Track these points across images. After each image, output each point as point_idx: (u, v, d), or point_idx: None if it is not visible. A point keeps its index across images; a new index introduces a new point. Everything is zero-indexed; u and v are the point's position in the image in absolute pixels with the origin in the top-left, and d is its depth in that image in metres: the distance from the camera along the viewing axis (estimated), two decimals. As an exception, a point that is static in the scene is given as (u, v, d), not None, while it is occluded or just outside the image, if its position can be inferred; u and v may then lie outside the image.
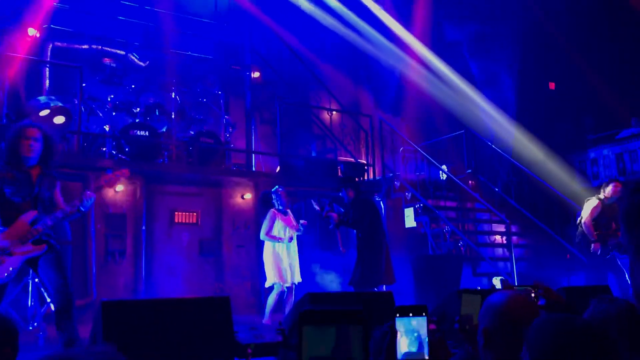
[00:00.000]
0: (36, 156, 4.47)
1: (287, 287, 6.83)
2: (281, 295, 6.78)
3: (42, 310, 5.99)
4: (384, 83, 12.99)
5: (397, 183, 9.47)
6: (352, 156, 10.59)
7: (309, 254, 8.75)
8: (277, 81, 10.88)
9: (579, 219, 7.21)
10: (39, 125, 4.59)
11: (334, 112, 10.89)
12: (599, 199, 6.98)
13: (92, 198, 4.53)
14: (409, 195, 9.27)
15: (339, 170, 9.51)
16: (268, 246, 6.88)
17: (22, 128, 4.48)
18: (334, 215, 7.12)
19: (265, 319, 6.65)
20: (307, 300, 3.55)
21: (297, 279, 6.93)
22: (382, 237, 7.07)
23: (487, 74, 12.97)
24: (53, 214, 4.41)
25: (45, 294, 6.09)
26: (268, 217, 6.94)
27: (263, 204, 7.34)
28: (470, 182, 10.53)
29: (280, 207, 6.99)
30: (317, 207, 7.21)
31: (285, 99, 10.14)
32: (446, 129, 11.52)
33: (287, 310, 6.78)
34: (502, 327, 1.65)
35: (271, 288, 6.85)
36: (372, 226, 7.02)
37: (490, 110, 12.15)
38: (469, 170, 10.85)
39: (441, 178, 10.67)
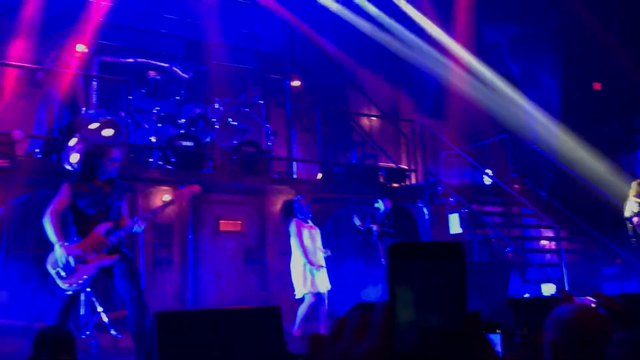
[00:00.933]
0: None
1: (320, 296, 6.77)
2: (313, 305, 6.72)
3: (93, 319, 6.14)
4: (424, 87, 12.89)
5: (440, 188, 9.37)
6: (392, 162, 10.54)
7: (350, 265, 8.76)
8: (316, 88, 10.93)
9: (630, 230, 6.94)
10: (120, 143, 4.91)
11: (374, 118, 10.87)
12: (637, 213, 6.72)
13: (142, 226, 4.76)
14: (453, 200, 9.16)
15: (381, 176, 9.48)
16: (297, 256, 6.77)
17: (110, 149, 4.78)
18: (376, 227, 7.09)
19: (295, 329, 6.52)
20: (358, 310, 3.54)
21: (328, 285, 6.89)
22: None
23: (529, 75, 12.73)
24: (125, 227, 4.62)
25: (97, 303, 6.24)
26: (294, 228, 6.79)
27: (285, 214, 7.27)
28: (515, 186, 10.34)
29: (302, 217, 6.92)
30: (359, 223, 7.21)
31: (325, 106, 10.19)
32: (489, 132, 11.35)
33: (321, 319, 6.76)
34: (572, 340, 1.61)
35: (301, 298, 6.77)
36: (413, 235, 7.02)
37: (534, 112, 11.92)
38: (514, 174, 10.65)
39: (485, 183, 10.52)
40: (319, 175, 9.43)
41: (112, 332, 6.16)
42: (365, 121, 10.90)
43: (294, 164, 9.80)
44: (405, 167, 10.19)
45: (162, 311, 2.99)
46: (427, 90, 12.87)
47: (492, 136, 11.16)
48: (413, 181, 9.89)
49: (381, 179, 9.46)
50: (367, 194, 8.95)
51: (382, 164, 10.44)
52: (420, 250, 0.65)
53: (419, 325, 0.62)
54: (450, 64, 12.20)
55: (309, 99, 10.74)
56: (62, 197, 4.62)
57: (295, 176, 9.70)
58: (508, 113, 11.64)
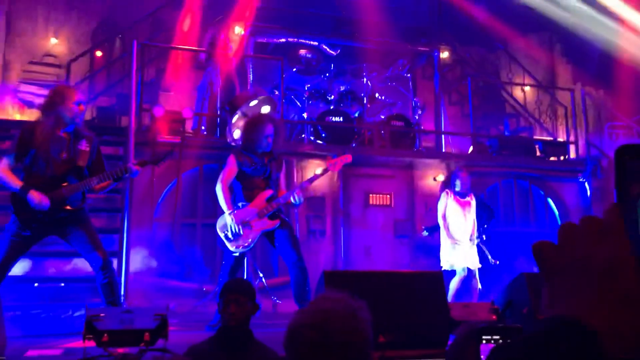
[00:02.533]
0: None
1: (469, 271, 6.60)
2: (464, 281, 6.58)
3: (255, 283, 6.54)
4: (584, 53, 11.91)
5: (604, 162, 8.65)
6: (549, 134, 9.92)
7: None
8: (466, 59, 10.57)
9: None
10: (274, 120, 5.23)
11: (528, 88, 10.29)
12: None
13: (300, 195, 5.02)
14: (620, 174, 8.39)
15: (537, 150, 8.99)
16: (444, 228, 6.69)
17: (264, 125, 5.05)
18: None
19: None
20: (523, 279, 3.42)
21: (476, 263, 6.68)
22: None
23: None
24: (284, 196, 4.97)
25: (258, 270, 6.65)
26: (442, 197, 6.76)
27: (443, 185, 7.23)
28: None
29: (458, 189, 6.76)
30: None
31: (475, 77, 9.83)
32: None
33: (473, 295, 6.61)
34: None
35: (453, 272, 6.65)
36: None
37: None
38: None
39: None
40: (470, 149, 9.16)
41: (273, 297, 6.54)
42: (518, 92, 10.35)
43: (443, 137, 9.60)
44: (563, 139, 9.53)
45: (330, 270, 3.09)
46: (589, 57, 11.88)
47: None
48: (572, 155, 9.23)
49: (537, 152, 8.96)
50: (522, 168, 8.57)
51: (537, 136, 9.87)
52: None
53: None
54: (615, 26, 11.14)
55: (458, 70, 10.43)
56: (230, 167, 5.04)
57: (444, 150, 9.51)
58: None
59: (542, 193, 8.79)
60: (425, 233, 7.33)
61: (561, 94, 10.13)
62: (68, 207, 4.19)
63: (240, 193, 5.06)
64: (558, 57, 11.88)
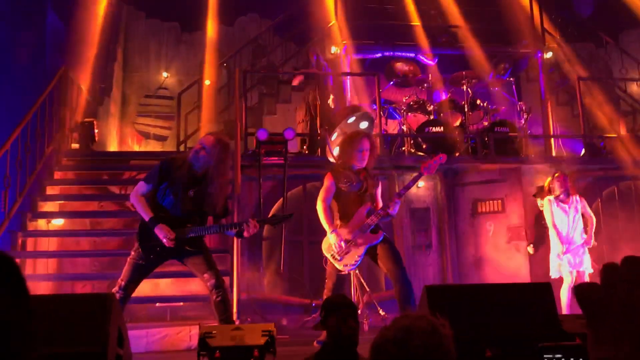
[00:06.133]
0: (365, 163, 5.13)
1: (580, 277, 6.32)
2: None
3: (364, 298, 6.57)
4: None
5: None
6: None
7: (623, 248, 7.86)
8: (572, 58, 10.04)
9: None
10: (369, 135, 5.25)
11: (645, 82, 9.57)
12: None
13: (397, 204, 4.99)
14: None
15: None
16: (554, 235, 6.49)
17: (360, 139, 5.15)
18: None
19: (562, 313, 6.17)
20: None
21: (586, 267, 6.35)
22: None
23: None
24: (382, 207, 4.96)
25: (365, 284, 6.67)
26: (545, 206, 6.56)
27: (540, 193, 6.97)
28: None
29: (558, 194, 6.49)
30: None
31: (584, 75, 9.32)
32: None
33: None
34: None
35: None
36: None
37: None
38: None
39: None
40: (582, 152, 8.67)
41: (381, 311, 6.53)
42: (634, 87, 9.65)
43: (553, 141, 9.16)
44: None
45: (431, 284, 3.08)
46: None
47: None
48: None
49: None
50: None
51: (660, 134, 9.13)
52: None
53: None
54: None
55: (564, 70, 9.94)
56: (327, 185, 5.11)
57: (554, 154, 9.07)
58: None
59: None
60: (530, 250, 7.21)
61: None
62: (187, 248, 4.32)
63: (336, 210, 5.10)
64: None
